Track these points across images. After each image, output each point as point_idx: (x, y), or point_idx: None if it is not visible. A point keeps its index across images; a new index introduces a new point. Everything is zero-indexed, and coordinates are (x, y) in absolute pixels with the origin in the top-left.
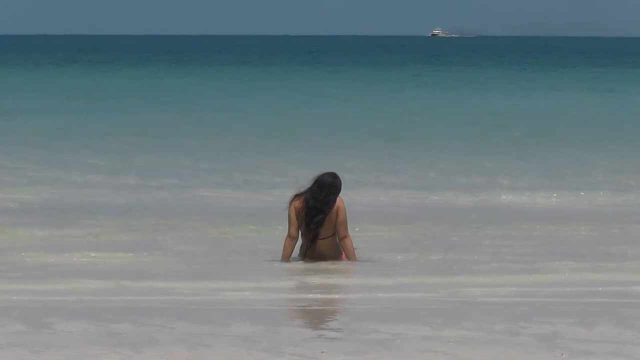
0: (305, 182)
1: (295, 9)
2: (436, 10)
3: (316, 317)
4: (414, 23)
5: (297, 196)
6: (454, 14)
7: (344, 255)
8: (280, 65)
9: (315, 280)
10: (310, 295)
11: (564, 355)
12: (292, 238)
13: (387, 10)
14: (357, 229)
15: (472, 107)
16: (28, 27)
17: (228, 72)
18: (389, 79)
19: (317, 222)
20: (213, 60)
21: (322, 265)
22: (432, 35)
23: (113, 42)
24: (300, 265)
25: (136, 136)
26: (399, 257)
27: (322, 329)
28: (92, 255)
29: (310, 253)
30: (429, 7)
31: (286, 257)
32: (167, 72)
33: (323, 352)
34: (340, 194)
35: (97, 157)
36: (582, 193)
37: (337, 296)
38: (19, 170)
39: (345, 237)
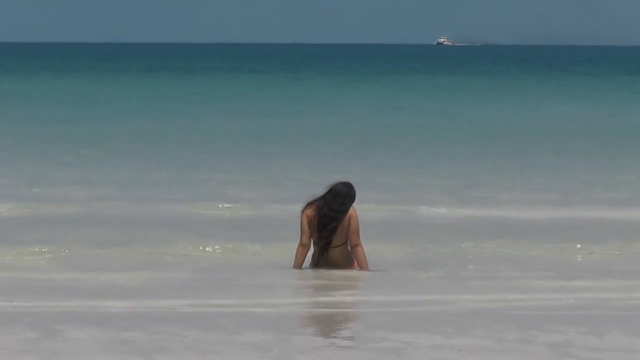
0: (300, 192)
1: (303, 18)
2: (444, 18)
3: (328, 325)
4: (421, 31)
5: (309, 204)
6: (462, 22)
7: (356, 264)
8: (262, 72)
9: (326, 288)
10: (322, 304)
11: None
12: (303, 246)
13: (395, 18)
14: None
15: (460, 116)
16: (33, 34)
17: (220, 79)
18: (375, 86)
19: (330, 230)
20: (206, 67)
21: (334, 273)
22: (437, 43)
23: (118, 50)
24: (312, 273)
25: (125, 143)
26: (408, 266)
27: (334, 337)
28: (94, 271)
29: (323, 261)
30: (437, 16)
31: (298, 266)
32: (152, 80)
33: None
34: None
35: (80, 168)
36: (585, 206)
37: (348, 304)
38: None
39: (357, 245)
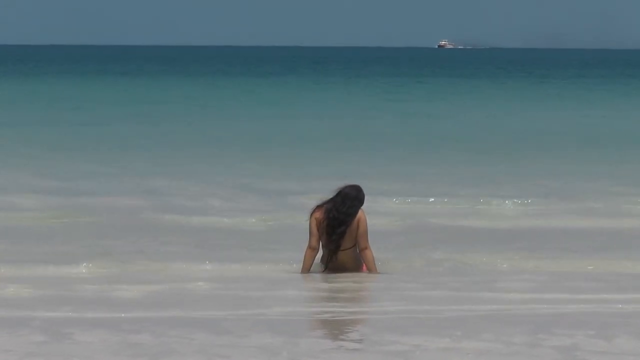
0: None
1: (304, 21)
2: (447, 21)
3: (336, 328)
4: (424, 34)
5: (318, 207)
6: (466, 25)
7: (364, 267)
8: (257, 76)
9: (335, 291)
10: (330, 307)
11: None
12: (312, 249)
13: (396, 22)
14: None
15: (445, 119)
16: (31, 37)
17: (215, 83)
18: (362, 91)
19: (339, 233)
20: (201, 71)
21: (343, 276)
22: (439, 46)
23: (117, 52)
24: (321, 276)
25: (112, 148)
26: (416, 271)
27: (342, 340)
28: (96, 282)
29: (331, 264)
30: (440, 19)
31: (306, 268)
32: (147, 83)
33: None
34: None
35: (67, 175)
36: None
37: (356, 308)
38: None
39: (366, 248)
